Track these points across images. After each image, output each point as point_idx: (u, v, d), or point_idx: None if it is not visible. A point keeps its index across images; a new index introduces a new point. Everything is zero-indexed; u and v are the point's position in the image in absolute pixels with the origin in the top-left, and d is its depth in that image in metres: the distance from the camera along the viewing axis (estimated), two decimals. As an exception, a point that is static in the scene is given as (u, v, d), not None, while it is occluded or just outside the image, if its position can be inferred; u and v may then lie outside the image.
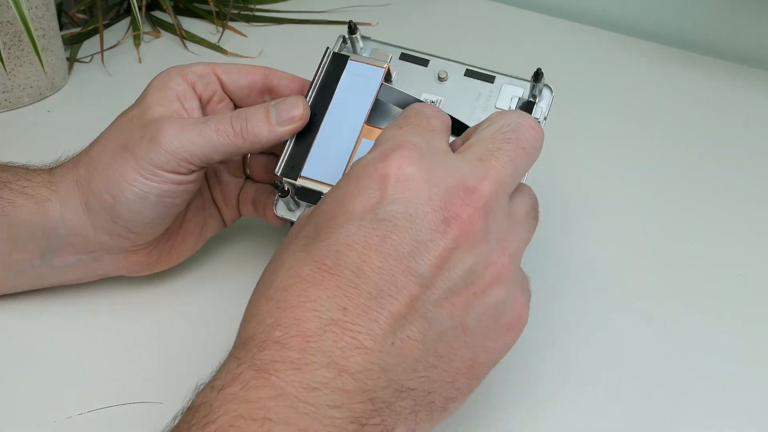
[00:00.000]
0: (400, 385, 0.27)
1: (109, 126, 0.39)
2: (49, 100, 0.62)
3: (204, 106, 0.40)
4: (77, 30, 0.71)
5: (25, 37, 0.57)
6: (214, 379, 0.27)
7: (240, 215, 0.44)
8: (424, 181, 0.29)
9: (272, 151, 0.43)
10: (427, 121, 0.32)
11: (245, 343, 0.28)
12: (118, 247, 0.39)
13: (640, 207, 0.52)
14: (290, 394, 0.26)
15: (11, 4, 0.50)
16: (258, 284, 0.30)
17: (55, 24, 0.62)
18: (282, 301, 0.27)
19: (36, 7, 0.58)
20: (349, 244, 0.28)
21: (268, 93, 0.41)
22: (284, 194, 0.38)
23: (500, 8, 0.88)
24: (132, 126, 0.38)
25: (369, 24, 0.75)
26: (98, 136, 0.40)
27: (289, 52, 0.73)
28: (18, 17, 0.51)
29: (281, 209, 0.40)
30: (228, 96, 0.41)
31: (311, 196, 0.38)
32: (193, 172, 0.37)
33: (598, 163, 0.58)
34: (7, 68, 0.58)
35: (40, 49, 0.54)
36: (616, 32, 0.80)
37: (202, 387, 0.28)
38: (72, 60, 0.67)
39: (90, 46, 0.70)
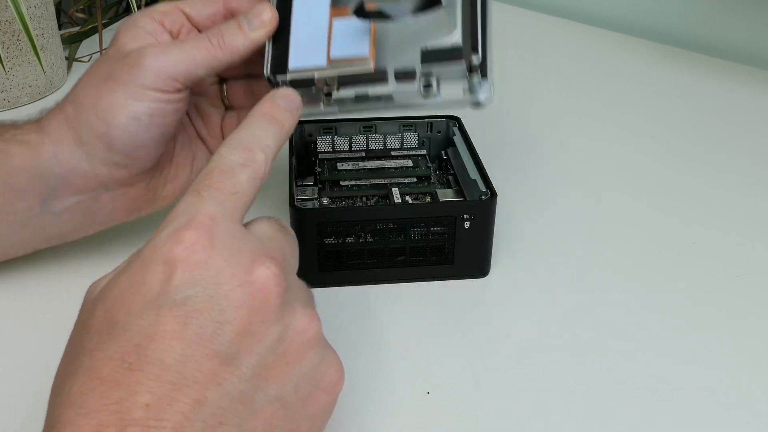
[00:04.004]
0: None
1: (87, 70, 0.40)
2: (48, 100, 0.62)
3: (174, 38, 0.41)
4: (76, 29, 0.71)
5: (23, 36, 0.57)
6: None
7: None
8: (224, 258, 0.27)
9: (249, 72, 0.43)
10: (232, 180, 0.30)
11: None
12: (116, 180, 0.40)
13: (640, 206, 0.52)
14: None
15: (10, 3, 0.50)
16: (54, 389, 0.27)
17: (54, 23, 0.62)
18: (82, 407, 0.25)
19: (35, 7, 0.58)
20: (149, 335, 0.26)
21: (231, 15, 0.42)
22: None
23: (500, 7, 0.87)
24: (111, 61, 0.39)
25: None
26: (78, 80, 0.40)
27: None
28: (17, 17, 0.51)
29: None
30: (196, 27, 0.42)
31: (306, 85, 0.38)
32: (179, 91, 0.38)
33: (597, 162, 0.57)
34: (5, 68, 0.58)
35: (38, 49, 0.54)
36: (616, 32, 0.80)
37: None
38: (71, 59, 0.67)
39: (89, 45, 0.69)
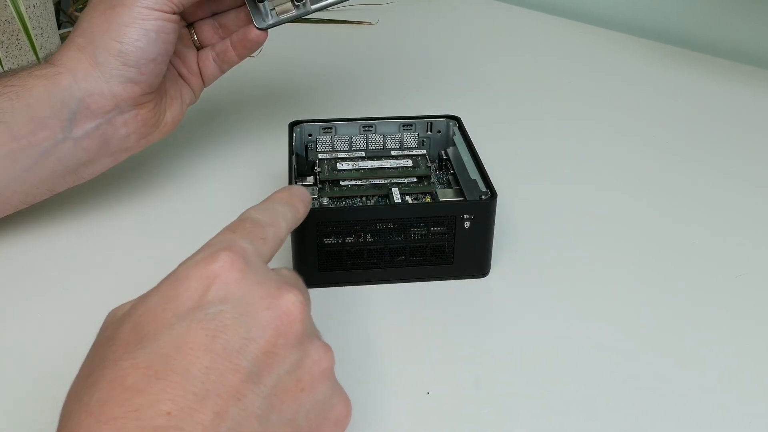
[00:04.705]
0: None
1: (86, 8, 0.45)
2: (48, 100, 0.62)
3: None
4: (75, 29, 0.71)
5: (22, 35, 0.57)
6: None
7: (203, 84, 0.50)
8: (254, 282, 0.29)
9: (214, 11, 0.49)
10: (262, 230, 0.32)
11: None
12: (129, 99, 0.44)
13: (640, 206, 0.52)
14: None
15: (9, 3, 0.50)
16: (71, 399, 0.28)
17: (53, 23, 0.61)
18: (103, 415, 0.25)
19: (34, 6, 0.58)
20: (178, 346, 0.27)
21: None
22: None
23: (500, 7, 0.87)
24: None
25: (369, 23, 0.75)
26: (79, 19, 0.45)
27: (289, 51, 0.73)
28: (16, 16, 0.50)
29: (260, 21, 0.48)
30: None
31: None
32: (174, 13, 0.44)
33: (597, 161, 0.57)
34: (4, 67, 0.58)
35: (38, 49, 0.54)
36: (616, 31, 0.80)
37: None
38: (70, 59, 0.67)
39: (88, 45, 0.69)
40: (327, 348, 0.30)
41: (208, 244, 0.30)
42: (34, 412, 0.36)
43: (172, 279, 0.29)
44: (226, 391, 0.26)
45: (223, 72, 0.50)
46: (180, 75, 0.49)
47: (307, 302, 0.30)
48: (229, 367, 0.27)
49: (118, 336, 0.28)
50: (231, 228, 0.32)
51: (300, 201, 0.36)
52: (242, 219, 0.33)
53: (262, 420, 0.27)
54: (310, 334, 0.30)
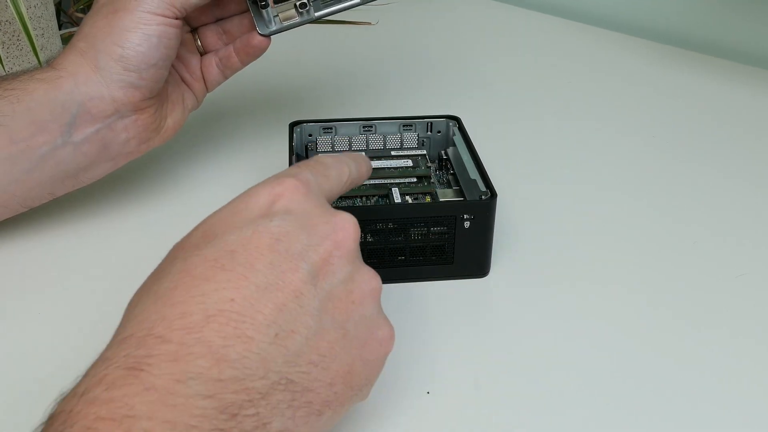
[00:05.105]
0: (279, 376, 0.28)
1: (89, 13, 0.45)
2: (48, 100, 0.62)
3: None
4: (76, 29, 0.71)
5: (23, 36, 0.57)
6: (77, 385, 0.26)
7: (207, 89, 0.50)
8: (315, 203, 0.32)
9: (217, 16, 0.50)
10: (326, 169, 0.35)
11: (120, 342, 0.27)
12: (130, 104, 0.44)
13: (640, 206, 0.52)
14: (159, 388, 0.25)
15: (10, 3, 0.50)
16: (138, 293, 0.30)
17: (54, 23, 0.62)
18: (169, 299, 0.28)
19: (34, 7, 0.58)
20: (244, 245, 0.29)
21: None
22: (265, 5, 0.46)
23: (500, 7, 0.88)
24: None
25: (369, 23, 0.75)
26: (82, 23, 0.45)
27: (289, 52, 0.73)
28: (16, 17, 0.51)
29: (263, 27, 0.48)
30: None
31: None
32: (177, 18, 0.44)
33: (597, 161, 0.57)
34: (5, 67, 0.58)
35: (38, 49, 0.54)
36: (616, 32, 0.80)
37: (64, 395, 0.26)
38: (71, 59, 0.67)
39: (89, 45, 0.69)
40: (376, 274, 0.33)
41: (277, 173, 0.33)
42: (34, 412, 0.36)
43: (242, 195, 0.32)
44: (286, 287, 0.29)
45: (226, 78, 0.50)
46: (183, 80, 0.50)
47: (359, 230, 0.33)
48: (290, 266, 0.29)
49: (188, 241, 0.31)
50: (297, 164, 0.35)
51: (364, 163, 0.38)
52: (308, 159, 0.35)
53: (316, 319, 0.29)
54: (360, 257, 0.33)
